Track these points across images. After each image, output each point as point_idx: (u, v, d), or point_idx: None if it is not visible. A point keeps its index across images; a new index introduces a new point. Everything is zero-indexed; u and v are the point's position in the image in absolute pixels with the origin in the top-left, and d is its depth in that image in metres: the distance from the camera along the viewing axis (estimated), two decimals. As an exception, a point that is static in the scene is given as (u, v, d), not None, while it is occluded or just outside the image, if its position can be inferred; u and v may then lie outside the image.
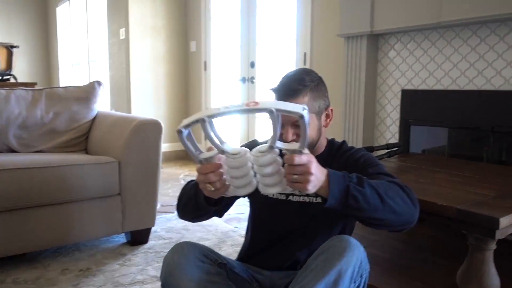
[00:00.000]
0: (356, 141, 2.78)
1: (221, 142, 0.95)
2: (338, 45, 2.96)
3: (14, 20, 7.23)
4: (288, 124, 1.15)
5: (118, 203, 2.12)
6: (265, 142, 1.29)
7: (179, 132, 0.92)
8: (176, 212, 1.29)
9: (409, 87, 2.59)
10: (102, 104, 2.63)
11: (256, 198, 1.32)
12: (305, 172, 0.93)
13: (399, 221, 1.06)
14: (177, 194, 1.27)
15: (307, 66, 3.27)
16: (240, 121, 4.12)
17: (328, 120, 1.27)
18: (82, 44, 6.32)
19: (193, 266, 1.09)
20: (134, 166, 2.11)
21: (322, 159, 1.25)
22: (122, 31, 4.65)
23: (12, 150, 2.30)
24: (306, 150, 0.94)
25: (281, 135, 1.18)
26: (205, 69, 4.61)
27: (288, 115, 1.12)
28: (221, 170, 0.99)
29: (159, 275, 1.87)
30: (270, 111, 0.86)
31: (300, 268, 1.26)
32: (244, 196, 1.34)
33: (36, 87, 2.86)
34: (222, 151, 0.95)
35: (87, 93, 2.48)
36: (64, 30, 7.01)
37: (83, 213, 2.03)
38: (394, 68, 2.67)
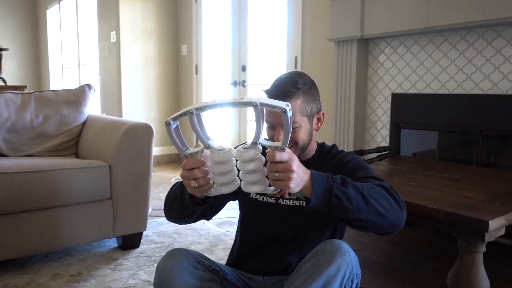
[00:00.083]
0: (347, 145, 2.79)
1: (207, 138, 0.96)
2: (329, 49, 2.98)
3: (3, 22, 7.17)
4: (280, 126, 1.16)
5: (109, 207, 2.11)
6: None
7: (167, 124, 0.94)
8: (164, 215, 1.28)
9: (399, 91, 2.62)
10: (93, 107, 2.62)
11: (245, 201, 1.32)
12: (287, 169, 0.93)
13: (385, 224, 1.06)
14: (168, 198, 1.26)
15: (298, 70, 3.29)
16: (231, 123, 4.12)
17: (320, 124, 1.28)
18: (73, 47, 6.28)
19: (187, 273, 1.08)
20: (125, 170, 2.10)
21: (312, 163, 1.26)
22: (112, 34, 4.63)
23: (1, 154, 2.28)
24: (288, 150, 0.95)
25: (272, 137, 1.19)
26: (196, 72, 4.61)
27: (278, 116, 1.14)
28: (206, 168, 0.99)
29: (151, 279, 1.87)
30: (254, 105, 0.89)
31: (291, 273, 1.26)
32: (234, 199, 1.34)
33: (26, 91, 2.84)
34: (208, 146, 0.96)
35: (77, 96, 2.47)
36: (54, 33, 6.96)
37: (73, 217, 2.02)
38: (384, 72, 2.69)
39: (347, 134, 2.80)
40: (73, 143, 2.44)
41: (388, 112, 2.68)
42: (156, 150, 4.50)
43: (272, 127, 1.19)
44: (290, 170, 0.93)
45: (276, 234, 1.27)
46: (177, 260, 1.10)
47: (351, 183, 1.03)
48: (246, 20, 3.90)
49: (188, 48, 4.66)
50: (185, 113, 0.92)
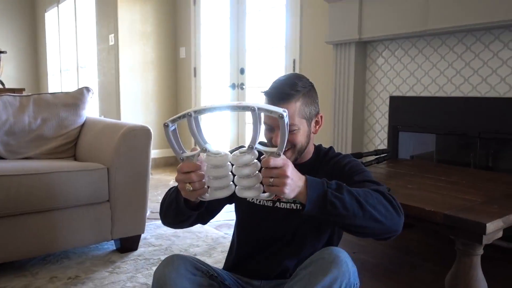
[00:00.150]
0: (345, 147, 2.80)
1: (204, 141, 0.96)
2: (327, 52, 2.99)
3: (2, 25, 7.17)
4: (278, 129, 1.16)
5: (107, 210, 2.11)
6: None
7: (166, 126, 0.95)
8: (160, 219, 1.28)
9: (397, 93, 2.62)
10: (91, 110, 2.62)
11: (242, 205, 1.32)
12: (281, 175, 0.93)
13: (382, 229, 1.05)
14: (167, 200, 1.26)
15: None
16: (230, 125, 4.13)
17: (318, 126, 1.27)
18: (71, 50, 6.28)
19: (184, 279, 1.08)
20: (123, 172, 2.10)
21: (309, 166, 1.26)
22: (111, 37, 4.64)
23: None
24: (283, 155, 0.95)
25: (270, 139, 1.19)
26: (195, 75, 4.61)
27: (276, 119, 1.14)
28: (202, 172, 0.99)
29: (149, 282, 1.86)
30: (252, 109, 0.90)
31: (289, 277, 1.25)
32: (230, 203, 1.34)
33: (24, 93, 2.84)
34: (204, 150, 0.97)
35: (75, 99, 2.47)
36: (52, 36, 6.96)
37: (71, 220, 2.01)
38: (382, 75, 2.70)
39: (345, 136, 2.81)
40: (71, 145, 2.43)
41: (386, 115, 2.69)
42: (154, 153, 4.50)
43: (271, 129, 1.19)
44: (285, 176, 0.93)
45: (273, 237, 1.27)
46: (174, 267, 1.09)
47: (346, 188, 1.02)
48: (244, 23, 3.91)
49: (187, 51, 4.67)
50: (183, 116, 0.93)
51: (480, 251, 1.33)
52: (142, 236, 2.31)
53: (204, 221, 1.28)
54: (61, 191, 1.95)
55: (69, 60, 6.41)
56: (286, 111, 0.92)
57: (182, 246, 2.30)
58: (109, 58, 4.73)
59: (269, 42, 3.70)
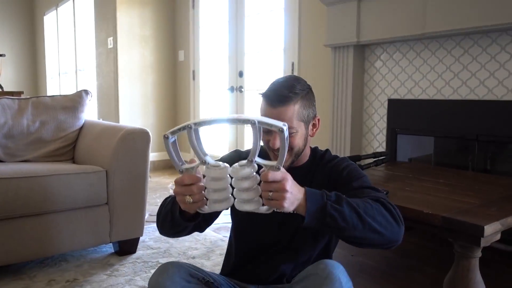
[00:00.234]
0: (343, 150, 2.80)
1: (204, 153, 0.96)
2: (326, 55, 2.99)
3: (1, 28, 7.17)
4: (277, 132, 1.15)
5: (106, 213, 2.10)
6: (248, 152, 1.30)
7: (165, 137, 0.94)
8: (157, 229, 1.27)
9: (395, 96, 2.63)
10: (90, 113, 2.62)
11: (238, 210, 1.31)
12: (280, 189, 0.92)
13: (381, 240, 1.04)
14: (166, 203, 1.26)
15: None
16: (228, 131, 4.13)
17: (315, 129, 1.26)
18: (70, 53, 6.29)
19: (179, 287, 1.07)
20: (122, 175, 2.10)
21: (306, 168, 1.25)
22: (110, 40, 4.64)
23: (-2, 160, 2.28)
24: (282, 169, 0.94)
25: (267, 141, 1.18)
26: (194, 78, 4.62)
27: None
28: (202, 184, 0.98)
29: (147, 285, 1.86)
30: (252, 123, 0.90)
31: (286, 282, 1.25)
32: (226, 208, 1.33)
33: (23, 96, 2.84)
34: (204, 162, 0.97)
35: (74, 102, 2.47)
36: (51, 39, 6.97)
37: (70, 223, 2.01)
38: (381, 78, 2.70)
39: (343, 139, 2.81)
40: (70, 148, 2.43)
41: (385, 118, 2.70)
42: (153, 156, 4.50)
43: (268, 132, 1.18)
44: (284, 190, 0.92)
45: (270, 242, 1.26)
46: (168, 275, 1.08)
47: (346, 200, 1.01)
48: (243, 26, 3.92)
49: (185, 54, 4.68)
50: (183, 128, 0.93)
51: (478, 253, 1.33)
52: (141, 239, 2.31)
53: (202, 230, 1.26)
54: (59, 193, 1.95)
55: (68, 63, 6.41)
56: (286, 124, 0.92)
57: (181, 249, 2.30)
58: (108, 61, 4.73)
59: (267, 45, 3.71)
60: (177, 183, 0.99)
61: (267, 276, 1.25)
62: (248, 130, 3.93)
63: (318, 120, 1.27)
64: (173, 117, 4.88)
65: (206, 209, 1.01)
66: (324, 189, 1.03)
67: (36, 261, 2.12)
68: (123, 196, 2.12)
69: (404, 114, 2.58)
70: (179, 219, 1.09)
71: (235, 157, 1.28)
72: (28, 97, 2.49)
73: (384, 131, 2.71)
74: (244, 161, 0.95)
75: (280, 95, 1.16)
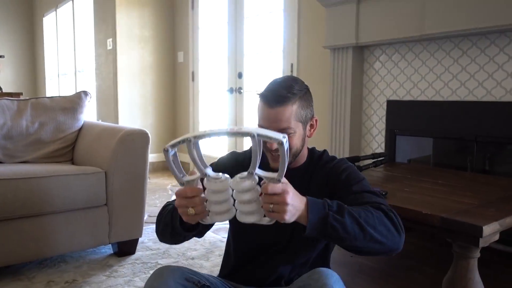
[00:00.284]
0: (342, 151, 2.80)
1: (204, 166, 0.96)
2: (325, 56, 3.00)
3: (0, 29, 7.17)
4: (274, 130, 1.15)
5: (105, 214, 2.10)
6: (244, 153, 1.29)
7: (165, 150, 0.94)
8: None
9: (394, 97, 2.64)
10: (89, 114, 2.62)
11: None
12: (281, 202, 0.92)
13: (382, 249, 1.04)
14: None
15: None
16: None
17: (312, 130, 1.26)
18: (69, 54, 6.29)
19: None
20: (121, 176, 2.10)
21: (304, 170, 1.24)
22: (109, 41, 4.64)
23: (-3, 161, 2.28)
24: (284, 179, 0.94)
25: (265, 143, 1.17)
26: (193, 79, 4.62)
27: (272, 121, 1.13)
28: (203, 195, 0.98)
29: (146, 286, 1.86)
30: (252, 136, 0.89)
31: (284, 284, 1.25)
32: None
33: (22, 97, 2.84)
34: (204, 174, 0.96)
35: (73, 103, 2.47)
36: (50, 40, 6.97)
37: (69, 224, 2.01)
38: (379, 79, 2.71)
39: (342, 140, 2.81)
40: (69, 149, 2.43)
41: (384, 119, 2.70)
42: (152, 157, 4.49)
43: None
44: (285, 203, 0.92)
45: (268, 243, 1.26)
46: (164, 280, 1.08)
47: (347, 210, 1.01)
48: (242, 28, 3.93)
49: (185, 55, 4.68)
50: (183, 141, 0.93)
51: (477, 254, 1.33)
52: (140, 240, 2.31)
53: (201, 235, 1.26)
54: (58, 195, 1.95)
55: (67, 64, 6.41)
56: (286, 136, 0.91)
57: (180, 250, 2.30)
58: (107, 62, 4.74)
59: (267, 46, 3.71)
60: (179, 195, 0.98)
61: (265, 277, 1.25)
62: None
63: (316, 120, 1.26)
64: (172, 118, 4.88)
65: (208, 220, 1.01)
66: (323, 189, 1.02)
67: (35, 262, 2.12)
68: (122, 197, 2.12)
69: (403, 115, 2.58)
70: (180, 229, 1.09)
71: (232, 159, 1.29)
72: (27, 98, 2.49)
73: (383, 132, 2.71)
74: (245, 173, 0.94)
75: (278, 95, 1.15)
